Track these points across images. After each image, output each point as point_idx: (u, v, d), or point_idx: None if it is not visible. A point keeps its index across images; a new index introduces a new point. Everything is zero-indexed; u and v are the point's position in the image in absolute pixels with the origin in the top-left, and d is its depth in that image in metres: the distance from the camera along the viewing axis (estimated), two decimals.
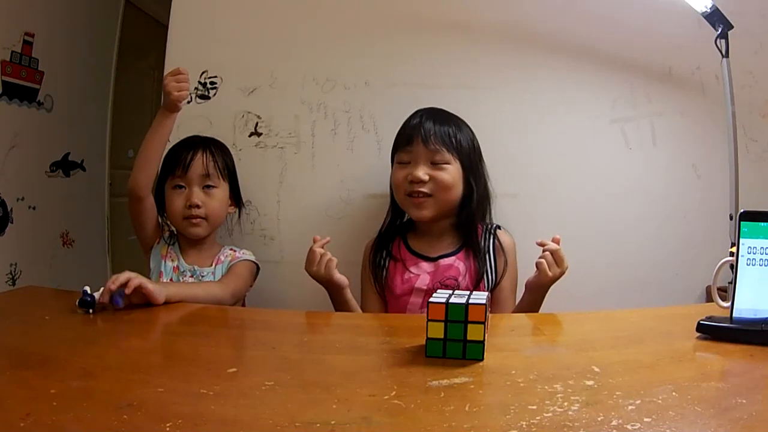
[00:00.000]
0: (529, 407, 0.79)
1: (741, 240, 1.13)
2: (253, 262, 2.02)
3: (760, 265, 1.12)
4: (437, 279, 1.85)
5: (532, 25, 2.31)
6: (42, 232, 3.28)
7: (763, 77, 2.29)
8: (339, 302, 1.79)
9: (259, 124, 2.33)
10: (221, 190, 2.00)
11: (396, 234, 1.99)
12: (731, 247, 1.20)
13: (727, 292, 1.24)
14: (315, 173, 2.31)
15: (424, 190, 1.81)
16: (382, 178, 2.08)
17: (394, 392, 0.86)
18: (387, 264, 1.94)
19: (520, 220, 2.14)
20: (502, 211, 2.11)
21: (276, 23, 2.34)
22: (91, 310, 1.42)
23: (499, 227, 1.96)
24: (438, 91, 2.22)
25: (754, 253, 1.13)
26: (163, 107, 1.89)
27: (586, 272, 2.12)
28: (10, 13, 2.94)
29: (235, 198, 2.11)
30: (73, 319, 1.38)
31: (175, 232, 2.04)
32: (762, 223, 1.12)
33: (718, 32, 2.00)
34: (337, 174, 2.29)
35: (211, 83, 2.34)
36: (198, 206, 1.92)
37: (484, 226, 1.95)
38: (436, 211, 1.85)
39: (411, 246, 1.94)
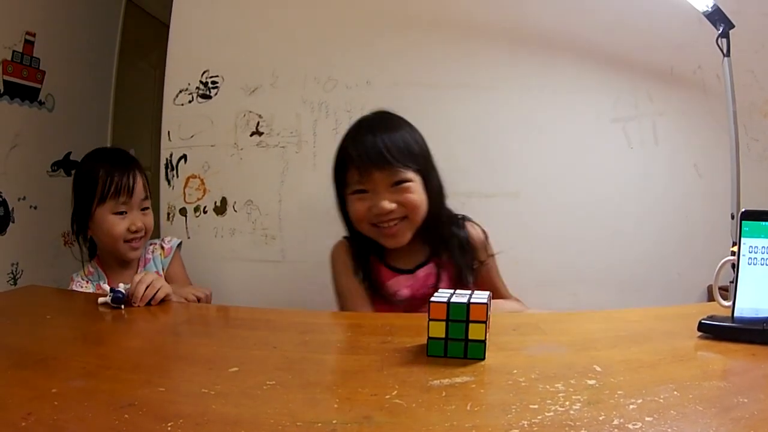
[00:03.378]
0: (531, 406, 0.79)
1: (742, 239, 1.13)
2: (179, 242, 2.12)
3: (761, 264, 1.12)
4: (416, 288, 1.73)
5: (533, 24, 2.31)
6: (43, 232, 3.29)
7: (764, 76, 2.29)
8: None
9: (260, 124, 2.33)
10: (151, 208, 2.02)
11: (369, 252, 1.80)
12: (732, 247, 1.20)
13: (728, 291, 1.24)
14: (316, 172, 2.31)
15: (394, 217, 1.66)
16: None
17: (395, 391, 0.86)
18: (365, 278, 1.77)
19: (520, 220, 2.15)
20: (502, 210, 2.11)
21: (277, 22, 2.34)
22: (122, 306, 1.44)
23: (464, 219, 1.83)
24: (439, 90, 2.23)
25: (755, 253, 1.12)
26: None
27: (587, 271, 2.12)
28: (11, 13, 2.95)
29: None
30: (74, 319, 1.38)
31: (94, 267, 2.01)
32: (763, 223, 1.12)
33: (720, 31, 2.00)
34: None
35: (213, 82, 2.34)
36: (142, 229, 1.94)
37: (448, 219, 1.80)
38: (412, 232, 1.71)
39: (387, 261, 1.79)
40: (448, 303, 1.02)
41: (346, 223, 1.81)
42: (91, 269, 1.99)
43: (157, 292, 1.49)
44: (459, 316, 1.01)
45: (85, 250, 2.00)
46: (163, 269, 2.03)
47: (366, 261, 1.78)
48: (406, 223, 1.68)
